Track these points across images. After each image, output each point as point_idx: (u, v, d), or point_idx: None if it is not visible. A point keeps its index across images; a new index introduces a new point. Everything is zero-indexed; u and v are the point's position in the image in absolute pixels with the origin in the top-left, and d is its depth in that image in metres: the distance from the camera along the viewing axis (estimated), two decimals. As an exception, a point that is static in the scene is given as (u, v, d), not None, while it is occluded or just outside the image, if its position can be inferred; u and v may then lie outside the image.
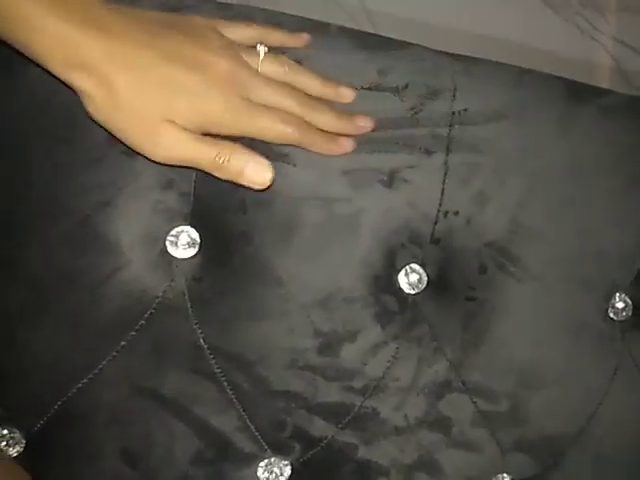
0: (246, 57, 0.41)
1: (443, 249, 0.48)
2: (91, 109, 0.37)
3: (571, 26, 0.72)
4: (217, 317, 0.44)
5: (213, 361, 0.43)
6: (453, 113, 0.47)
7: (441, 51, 0.49)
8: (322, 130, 0.44)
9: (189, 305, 0.43)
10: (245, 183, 0.40)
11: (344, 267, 0.46)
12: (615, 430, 0.50)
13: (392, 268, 0.47)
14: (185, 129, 0.38)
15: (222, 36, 0.41)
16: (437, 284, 0.48)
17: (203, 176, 0.44)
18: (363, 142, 0.46)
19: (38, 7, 0.35)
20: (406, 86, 0.47)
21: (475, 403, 0.47)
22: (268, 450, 0.44)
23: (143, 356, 0.43)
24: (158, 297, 0.43)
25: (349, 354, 0.46)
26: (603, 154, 0.50)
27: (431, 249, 0.48)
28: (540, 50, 0.69)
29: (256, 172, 0.40)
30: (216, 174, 0.40)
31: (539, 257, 0.48)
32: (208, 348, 0.43)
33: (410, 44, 0.49)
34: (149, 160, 0.39)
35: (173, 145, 0.38)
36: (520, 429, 0.48)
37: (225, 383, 0.43)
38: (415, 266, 0.48)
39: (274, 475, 0.45)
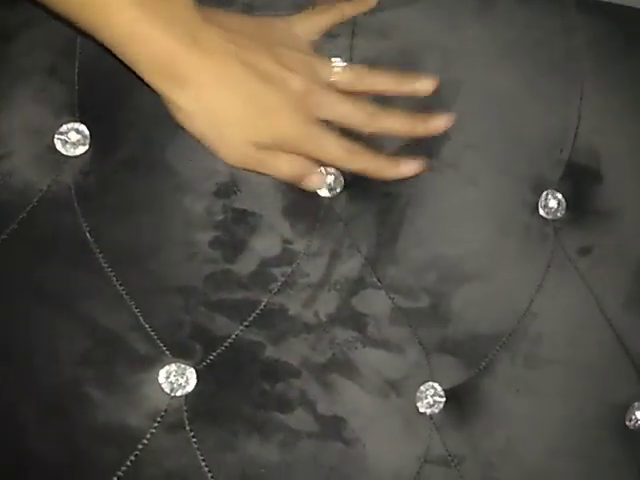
0: (320, 67, 0.41)
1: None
2: (179, 117, 0.39)
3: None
4: (105, 211, 0.41)
5: (100, 255, 0.40)
6: (358, -2, 0.45)
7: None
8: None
9: (75, 199, 0.41)
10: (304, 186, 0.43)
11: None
12: (550, 329, 0.46)
13: (305, 167, 0.44)
14: (261, 147, 0.40)
15: (300, 42, 0.42)
16: (353, 184, 0.45)
17: (85, 62, 0.42)
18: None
19: (141, 18, 0.35)
20: (307, -28, 0.45)
21: (392, 299, 0.44)
22: (167, 353, 0.41)
23: (24, 251, 0.40)
24: (42, 190, 0.40)
25: (253, 248, 0.42)
26: (522, 37, 0.47)
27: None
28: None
29: (318, 179, 0.43)
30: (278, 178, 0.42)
31: (455, 145, 0.45)
32: (95, 242, 0.40)
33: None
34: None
35: (250, 162, 0.40)
36: (444, 327, 0.44)
37: (114, 278, 0.40)
38: (330, 168, 0.45)
39: (178, 384, 0.42)
